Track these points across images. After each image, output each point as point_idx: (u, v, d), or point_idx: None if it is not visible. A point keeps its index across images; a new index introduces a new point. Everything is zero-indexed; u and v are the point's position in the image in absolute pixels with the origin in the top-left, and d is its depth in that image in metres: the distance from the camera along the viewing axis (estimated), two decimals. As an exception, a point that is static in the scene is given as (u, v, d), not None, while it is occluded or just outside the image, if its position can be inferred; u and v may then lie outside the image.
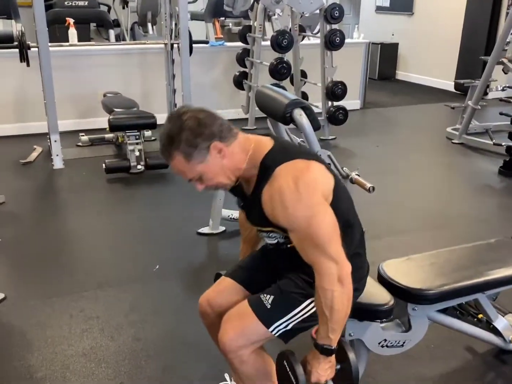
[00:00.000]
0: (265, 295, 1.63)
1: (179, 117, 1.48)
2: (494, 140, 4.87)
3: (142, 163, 4.46)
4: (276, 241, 1.65)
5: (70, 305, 2.65)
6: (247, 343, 1.59)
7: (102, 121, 5.41)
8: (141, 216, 3.76)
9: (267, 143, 1.56)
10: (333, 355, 1.54)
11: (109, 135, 5.18)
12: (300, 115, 2.75)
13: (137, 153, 4.45)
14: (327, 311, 1.46)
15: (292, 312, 1.60)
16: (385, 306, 1.81)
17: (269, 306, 1.60)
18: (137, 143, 4.49)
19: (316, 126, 2.95)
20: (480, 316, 2.27)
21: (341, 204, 1.58)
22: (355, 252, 1.66)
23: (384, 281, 1.98)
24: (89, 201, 4.01)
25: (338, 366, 1.60)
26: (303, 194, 1.43)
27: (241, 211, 1.80)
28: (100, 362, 2.25)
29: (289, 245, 1.62)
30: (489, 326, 2.25)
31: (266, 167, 1.50)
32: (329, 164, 2.90)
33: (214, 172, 1.51)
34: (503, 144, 4.74)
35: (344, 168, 2.92)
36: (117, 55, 5.90)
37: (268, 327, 1.59)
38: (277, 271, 1.73)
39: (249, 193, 1.60)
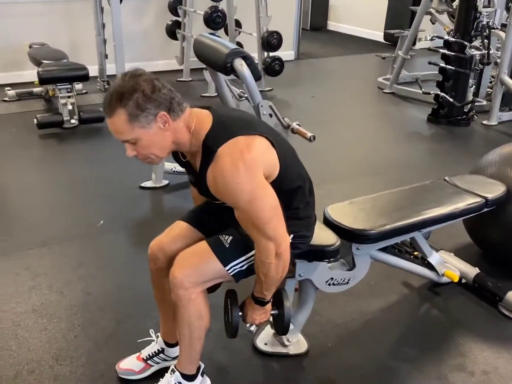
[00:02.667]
0: (224, 235, 1.68)
1: (135, 77, 1.46)
2: (423, 89, 5.07)
3: (76, 117, 4.31)
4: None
5: (15, 264, 2.59)
6: (200, 281, 1.64)
7: (28, 74, 5.16)
8: (79, 172, 3.67)
9: (206, 120, 1.56)
10: (268, 304, 1.74)
11: (38, 89, 4.94)
12: (241, 65, 2.74)
13: (69, 107, 4.29)
14: (263, 276, 1.62)
15: (249, 253, 1.66)
16: (332, 247, 1.92)
17: (227, 246, 1.66)
18: (69, 97, 4.32)
19: (257, 76, 2.95)
20: (415, 253, 2.46)
21: (290, 169, 1.65)
22: (306, 202, 1.75)
23: (329, 223, 2.08)
24: (23, 158, 3.85)
25: (276, 311, 1.80)
26: (244, 178, 1.47)
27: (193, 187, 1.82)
28: (52, 317, 2.24)
29: None
30: (424, 262, 2.43)
31: (209, 149, 1.51)
32: (271, 114, 2.95)
33: (151, 141, 1.50)
34: (431, 92, 4.95)
35: (285, 118, 2.95)
36: (41, 3, 5.53)
37: (225, 266, 1.65)
38: (232, 218, 1.78)
39: (197, 169, 1.61)
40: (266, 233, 1.53)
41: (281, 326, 1.83)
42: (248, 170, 1.48)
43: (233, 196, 1.51)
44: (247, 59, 2.98)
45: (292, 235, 1.70)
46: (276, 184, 1.59)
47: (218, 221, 1.79)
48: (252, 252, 1.66)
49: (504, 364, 2.07)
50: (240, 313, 1.76)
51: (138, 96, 1.44)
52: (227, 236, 1.69)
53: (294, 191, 1.68)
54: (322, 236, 1.94)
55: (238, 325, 1.75)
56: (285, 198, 1.65)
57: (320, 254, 1.92)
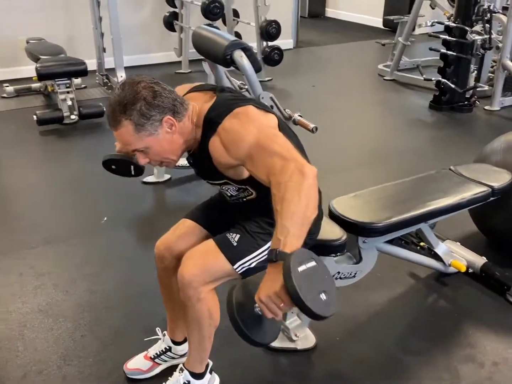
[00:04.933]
0: (231, 233, 1.66)
1: (134, 85, 1.45)
2: (424, 76, 5.02)
3: (76, 112, 4.28)
4: (230, 194, 1.68)
5: (18, 263, 2.58)
6: (208, 280, 1.61)
7: (26, 70, 5.13)
8: (80, 168, 3.64)
9: (208, 99, 1.55)
10: (280, 278, 1.17)
11: (37, 85, 4.91)
12: (241, 57, 2.71)
13: (69, 102, 4.26)
14: (278, 204, 1.24)
15: (257, 251, 1.64)
16: (339, 241, 1.90)
17: (235, 244, 1.63)
18: (68, 92, 4.29)
19: (257, 68, 2.92)
20: (422, 244, 2.44)
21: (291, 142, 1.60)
22: None
23: (335, 217, 2.06)
24: (23, 155, 3.83)
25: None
26: (247, 122, 1.45)
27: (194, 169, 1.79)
28: (58, 317, 2.23)
29: (245, 199, 1.66)
30: (430, 252, 2.41)
31: (212, 121, 1.50)
32: (272, 106, 2.91)
33: (162, 147, 1.51)
34: (433, 79, 4.90)
35: (287, 110, 2.92)
36: (37, -3, 5.50)
37: (233, 264, 1.62)
38: (238, 213, 1.76)
39: (197, 145, 1.59)
40: (284, 155, 1.31)
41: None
42: (250, 117, 1.47)
43: (241, 139, 1.41)
44: (247, 50, 2.95)
45: None
46: None
47: (224, 219, 1.77)
48: (261, 250, 1.64)
49: (513, 354, 2.06)
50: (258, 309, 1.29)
51: (141, 105, 1.44)
52: (234, 234, 1.66)
53: None
54: (328, 230, 1.93)
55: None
56: None
57: (326, 248, 1.90)
